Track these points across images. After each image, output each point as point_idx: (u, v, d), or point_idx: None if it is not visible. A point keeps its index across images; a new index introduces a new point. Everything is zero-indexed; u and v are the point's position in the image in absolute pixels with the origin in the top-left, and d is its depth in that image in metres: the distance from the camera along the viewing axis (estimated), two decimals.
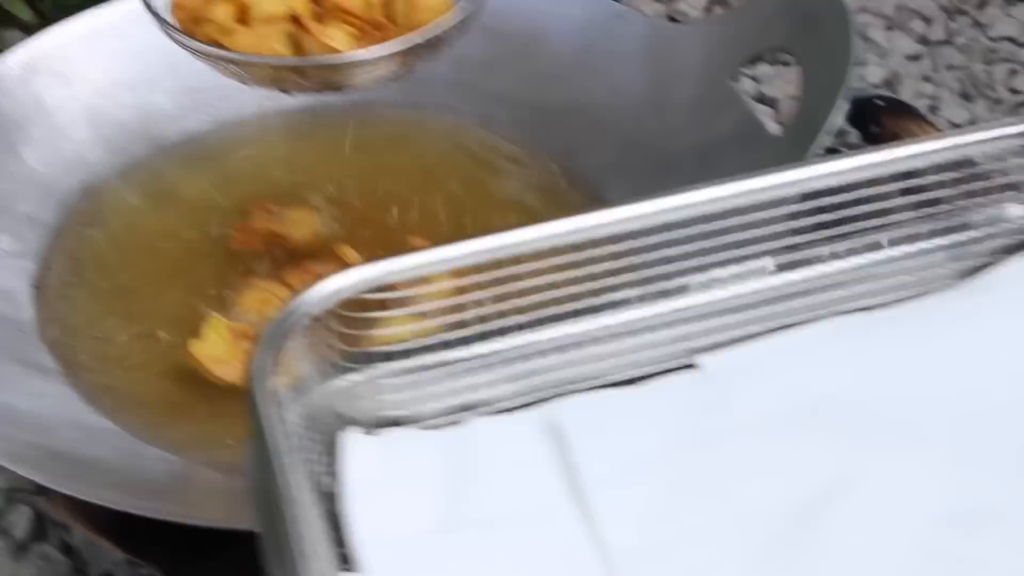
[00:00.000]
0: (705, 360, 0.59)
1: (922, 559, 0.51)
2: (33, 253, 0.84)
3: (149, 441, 0.74)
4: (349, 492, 0.53)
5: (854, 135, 1.05)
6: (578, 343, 0.58)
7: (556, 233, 0.56)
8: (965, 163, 0.62)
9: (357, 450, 0.54)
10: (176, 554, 0.71)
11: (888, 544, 0.52)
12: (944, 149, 0.61)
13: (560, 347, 0.58)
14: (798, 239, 0.60)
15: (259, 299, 0.82)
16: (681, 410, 0.57)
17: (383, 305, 0.53)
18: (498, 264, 0.56)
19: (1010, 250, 0.62)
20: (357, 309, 0.53)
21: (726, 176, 0.58)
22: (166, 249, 0.87)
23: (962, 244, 0.62)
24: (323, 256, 0.85)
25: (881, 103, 1.07)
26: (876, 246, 0.61)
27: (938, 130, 0.96)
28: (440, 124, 0.97)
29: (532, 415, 0.57)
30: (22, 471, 0.67)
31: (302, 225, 0.88)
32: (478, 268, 0.56)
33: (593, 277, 0.57)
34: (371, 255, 0.54)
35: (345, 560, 0.52)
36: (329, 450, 0.54)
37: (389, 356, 0.55)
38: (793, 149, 0.82)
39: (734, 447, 0.55)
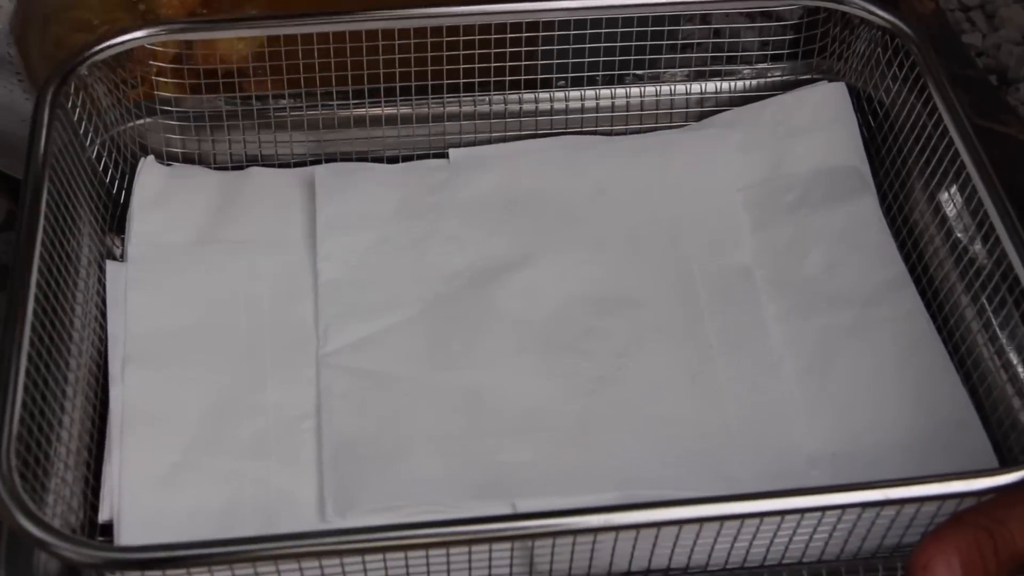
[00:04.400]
0: (453, 151, 0.71)
1: (558, 324, 0.64)
2: None
3: None
4: (133, 202, 0.67)
5: None
6: (357, 122, 0.71)
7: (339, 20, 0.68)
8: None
9: (150, 173, 0.68)
10: None
11: (534, 310, 0.64)
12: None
13: (340, 122, 0.71)
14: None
15: None
16: (417, 186, 0.69)
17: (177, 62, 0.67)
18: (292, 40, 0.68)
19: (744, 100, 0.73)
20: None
21: None
22: None
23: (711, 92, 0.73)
24: None
25: None
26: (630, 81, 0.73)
27: None
28: None
29: (298, 171, 0.70)
30: None
31: None
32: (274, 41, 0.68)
33: (376, 65, 0.69)
34: None
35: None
36: (132, 172, 0.69)
37: (183, 104, 0.69)
38: None
39: (445, 221, 0.67)
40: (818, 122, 0.70)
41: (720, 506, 0.49)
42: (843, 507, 0.49)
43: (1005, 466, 0.55)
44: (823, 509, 0.49)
